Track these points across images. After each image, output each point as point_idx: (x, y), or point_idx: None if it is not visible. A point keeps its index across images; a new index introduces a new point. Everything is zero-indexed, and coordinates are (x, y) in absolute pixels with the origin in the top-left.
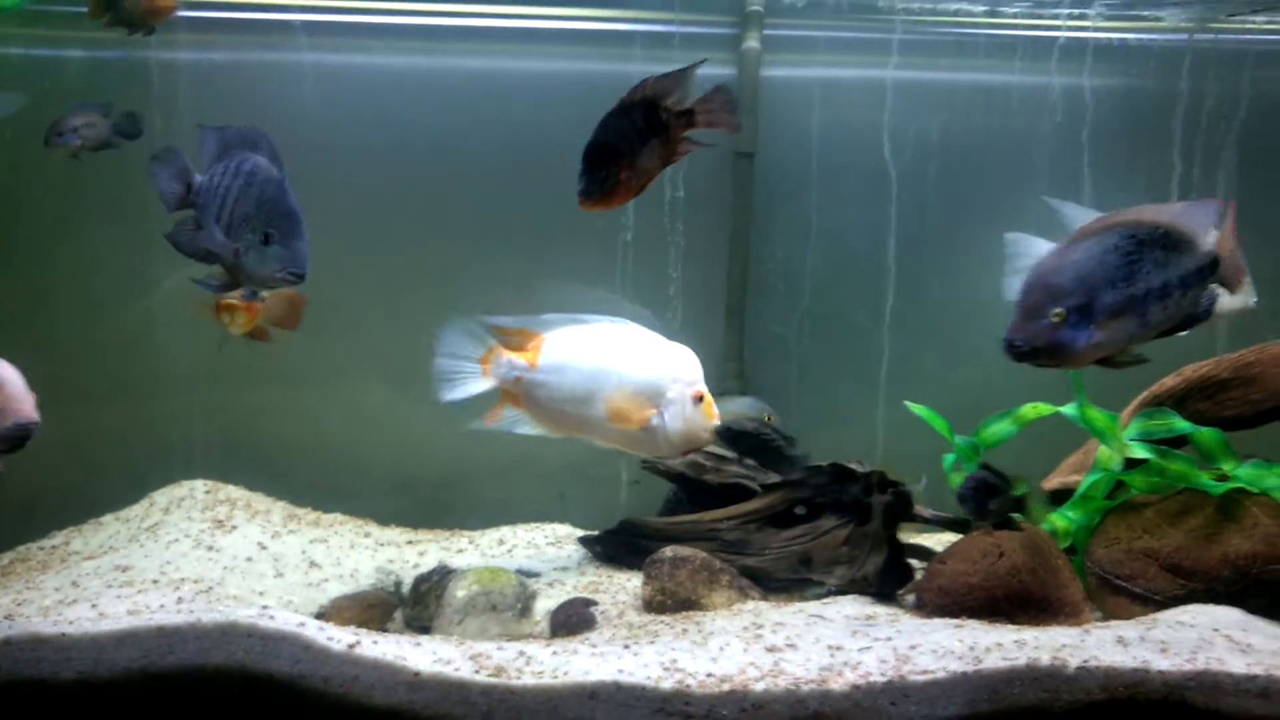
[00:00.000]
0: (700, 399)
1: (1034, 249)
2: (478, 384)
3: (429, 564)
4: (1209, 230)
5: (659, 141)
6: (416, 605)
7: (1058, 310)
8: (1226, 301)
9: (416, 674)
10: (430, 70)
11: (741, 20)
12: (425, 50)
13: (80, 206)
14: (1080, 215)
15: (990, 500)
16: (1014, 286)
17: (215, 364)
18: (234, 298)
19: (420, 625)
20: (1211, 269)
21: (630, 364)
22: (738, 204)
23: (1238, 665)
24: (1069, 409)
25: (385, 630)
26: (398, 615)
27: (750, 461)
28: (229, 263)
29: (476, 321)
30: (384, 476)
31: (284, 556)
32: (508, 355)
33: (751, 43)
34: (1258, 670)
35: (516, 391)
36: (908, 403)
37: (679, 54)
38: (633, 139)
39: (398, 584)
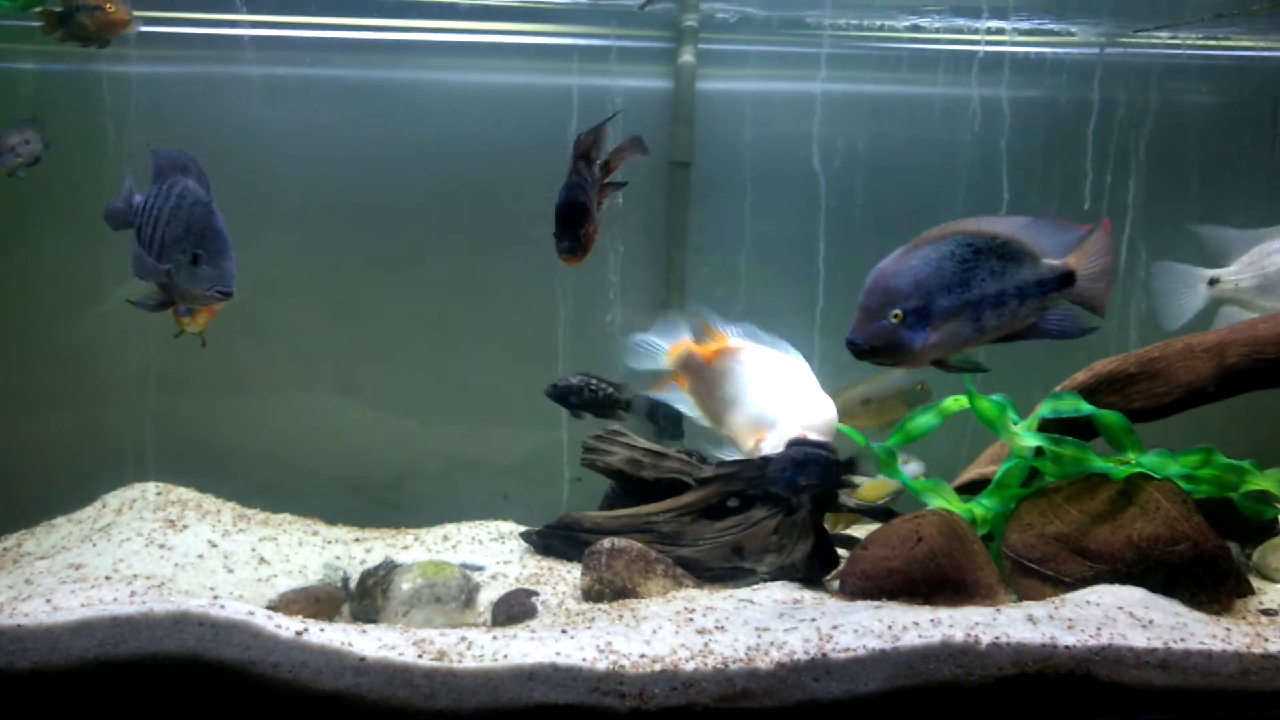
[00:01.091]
0: None
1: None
2: (659, 364)
3: (375, 560)
4: (1063, 247)
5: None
6: (363, 599)
7: (895, 312)
8: None
9: (362, 659)
10: (375, 83)
11: (677, 35)
12: (370, 64)
13: (30, 215)
14: (1235, 237)
15: (800, 476)
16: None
17: (166, 369)
18: None
19: (367, 618)
20: (1058, 284)
21: (763, 395)
22: (675, 211)
23: (1139, 640)
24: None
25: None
26: (345, 609)
27: (686, 456)
28: (162, 283)
29: (690, 314)
30: (331, 478)
31: (234, 554)
32: (692, 349)
33: (687, 57)
34: (1157, 644)
35: (687, 377)
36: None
37: (616, 67)
38: (590, 192)
39: (345, 579)
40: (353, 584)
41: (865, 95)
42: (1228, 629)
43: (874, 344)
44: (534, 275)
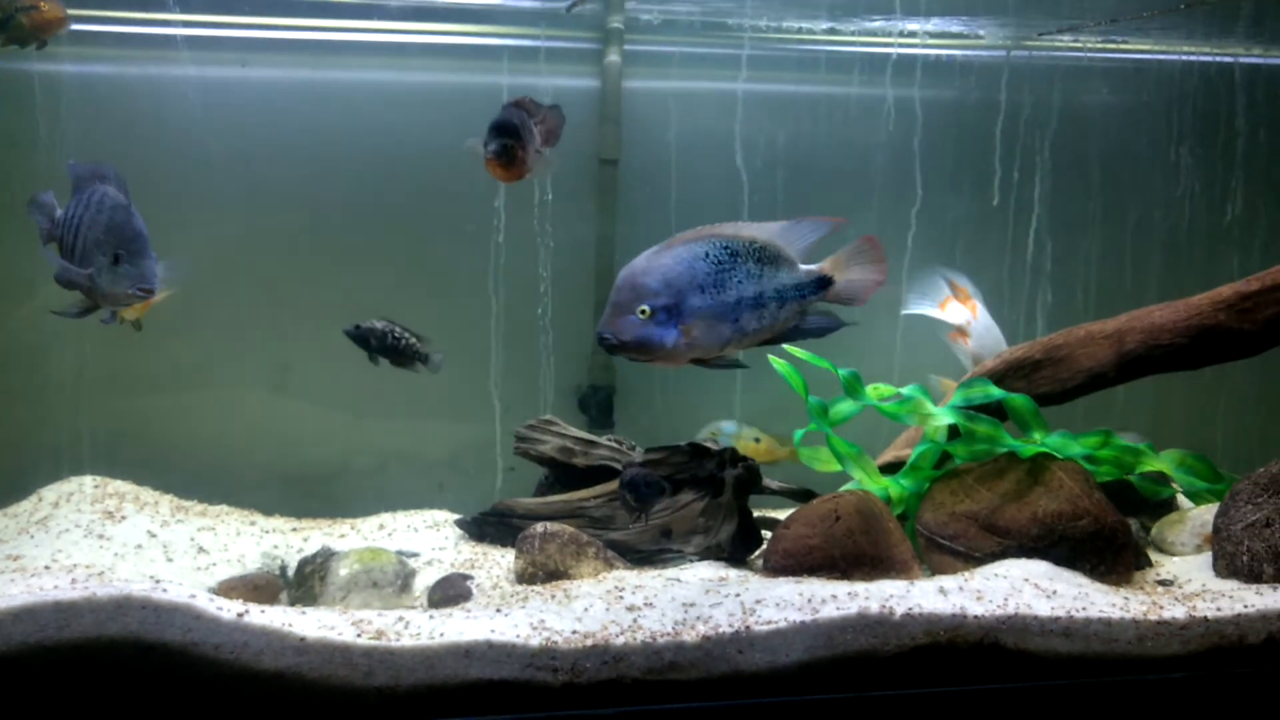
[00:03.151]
0: None
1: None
2: (934, 312)
3: (313, 549)
4: (816, 245)
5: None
6: (301, 586)
7: (643, 308)
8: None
9: (303, 639)
10: (307, 83)
11: (603, 37)
12: (302, 64)
13: None
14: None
15: (649, 494)
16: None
17: (100, 365)
18: None
19: (305, 604)
20: (816, 289)
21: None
22: (602, 207)
23: (1043, 609)
24: (907, 390)
25: None
26: (283, 596)
27: (617, 444)
28: (85, 286)
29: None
30: (267, 470)
31: (173, 544)
32: (959, 304)
33: (613, 57)
34: (1060, 613)
35: (965, 330)
36: (771, 358)
37: (545, 67)
38: (524, 124)
39: (283, 567)
40: (291, 571)
41: (785, 95)
42: (1126, 598)
43: (622, 339)
44: (466, 271)
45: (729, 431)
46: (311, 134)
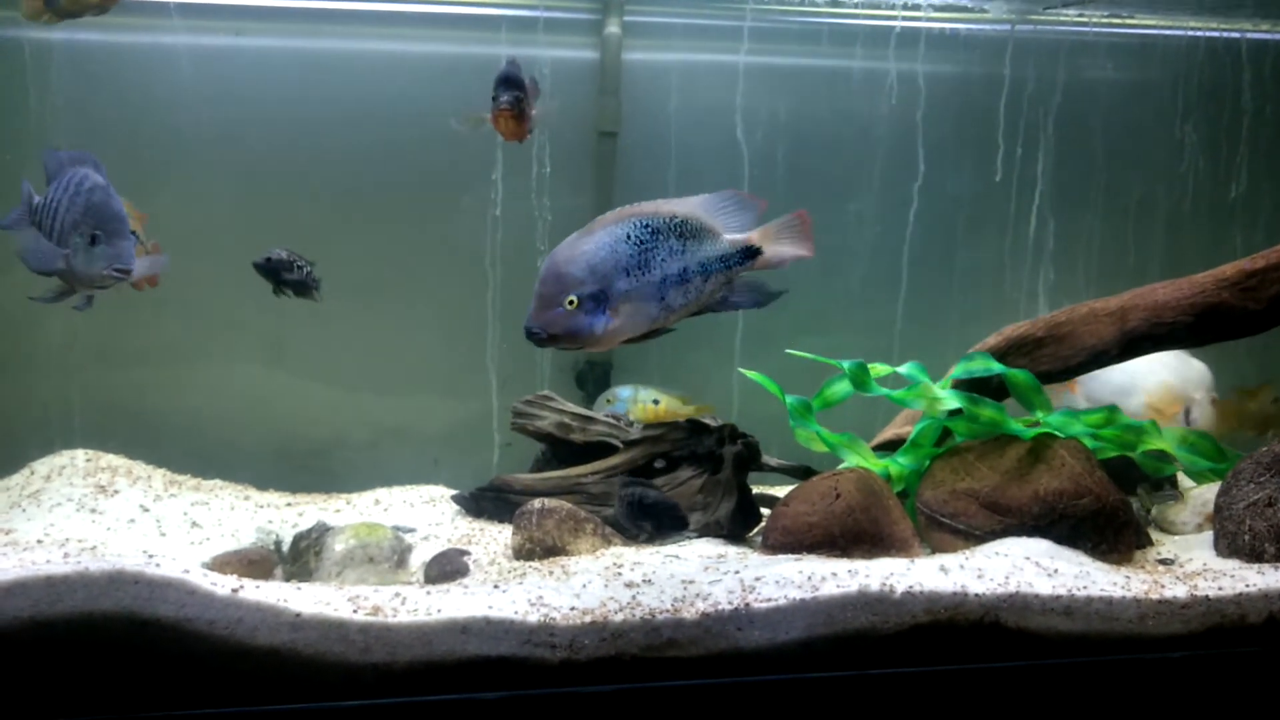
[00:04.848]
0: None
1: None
2: None
3: (307, 523)
4: (749, 222)
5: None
6: (296, 561)
7: (570, 299)
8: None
9: (298, 615)
10: (303, 52)
11: (603, 7)
12: (298, 33)
13: None
14: None
15: (644, 519)
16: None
17: (93, 339)
18: None
19: (300, 580)
20: (742, 259)
21: (1156, 372)
22: (601, 180)
23: (1044, 587)
24: (906, 369)
25: None
26: (278, 571)
27: (614, 420)
28: (61, 269)
29: None
30: (262, 445)
31: (166, 518)
32: None
33: (613, 28)
34: (1061, 591)
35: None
36: (741, 369)
37: (543, 38)
38: (526, 81)
39: (278, 542)
40: (285, 546)
41: (787, 68)
42: (1127, 577)
43: (552, 331)
44: (463, 243)
45: (624, 396)
46: (307, 104)
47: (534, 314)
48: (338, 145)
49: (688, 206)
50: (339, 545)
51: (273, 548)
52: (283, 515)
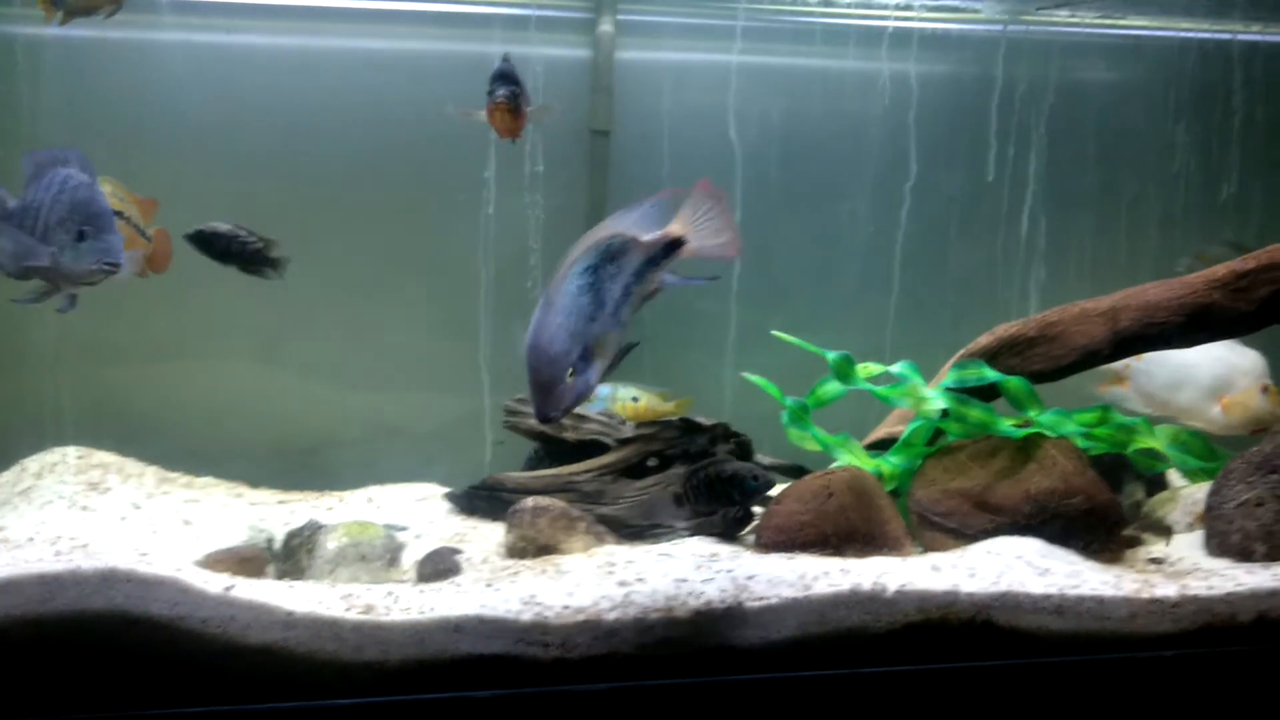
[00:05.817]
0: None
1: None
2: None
3: (300, 521)
4: (657, 218)
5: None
6: (288, 559)
7: (570, 371)
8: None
9: (290, 613)
10: (295, 49)
11: (595, 6)
12: (290, 30)
13: None
14: None
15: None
16: None
17: (84, 336)
18: None
19: (293, 578)
20: (666, 253)
21: (1202, 366)
22: (594, 179)
23: (1036, 587)
24: (899, 368)
25: None
26: (270, 569)
27: (606, 418)
28: (47, 267)
29: None
30: (254, 443)
31: (158, 516)
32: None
33: (606, 27)
34: (1053, 590)
35: (1122, 375)
36: (745, 374)
37: (536, 36)
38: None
39: (270, 540)
40: (278, 544)
41: (780, 68)
42: (1118, 576)
43: (565, 406)
44: (457, 241)
45: (604, 394)
46: (299, 102)
47: (542, 403)
48: (330, 143)
49: (606, 228)
50: (331, 543)
51: (265, 546)
52: (275, 513)
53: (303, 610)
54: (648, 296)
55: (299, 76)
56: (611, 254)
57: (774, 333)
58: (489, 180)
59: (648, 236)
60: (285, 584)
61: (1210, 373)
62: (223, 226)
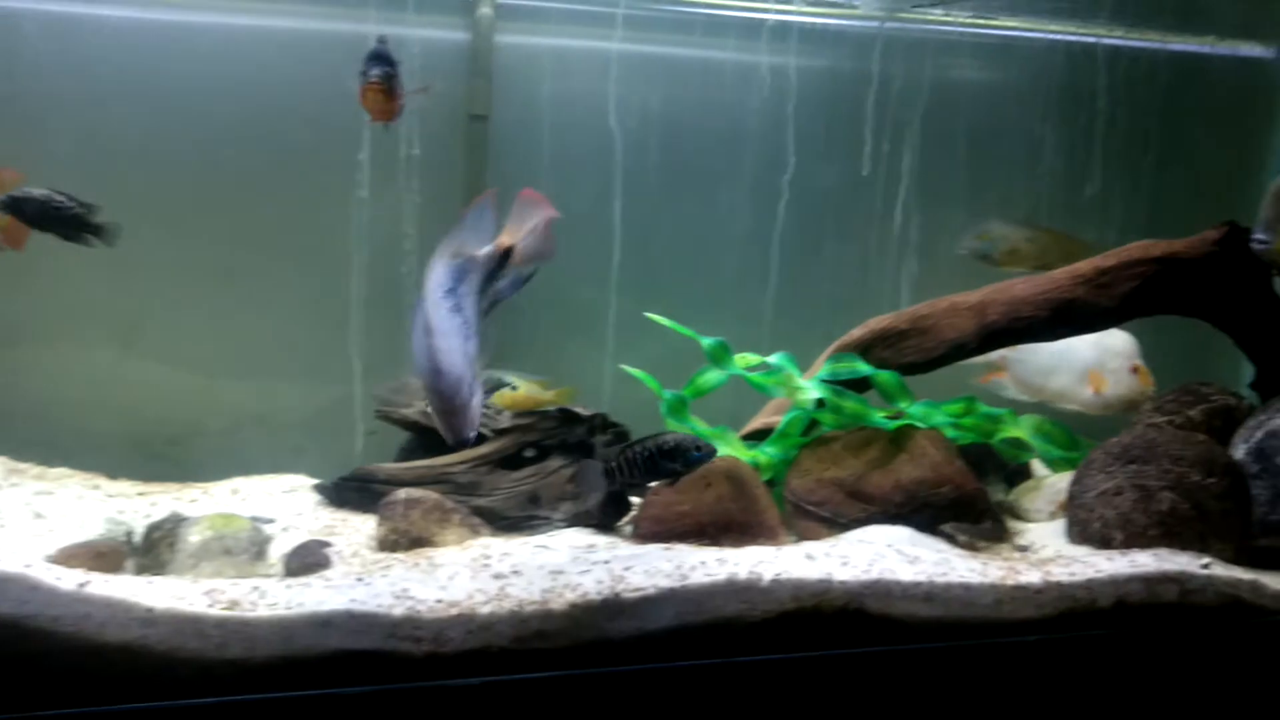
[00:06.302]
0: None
1: None
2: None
3: (161, 514)
4: (484, 229)
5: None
6: (148, 553)
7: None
8: None
9: (150, 610)
10: (162, 24)
11: None
12: (156, 4)
13: None
14: None
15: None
16: None
17: None
18: None
19: (153, 573)
20: (501, 263)
21: (1074, 349)
22: (472, 164)
23: (906, 574)
24: (775, 359)
25: None
26: (129, 564)
27: (485, 408)
28: None
29: None
30: (112, 432)
31: (7, 509)
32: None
33: (485, 10)
34: (922, 577)
35: (1000, 365)
36: (623, 366)
37: (413, 18)
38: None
39: (129, 533)
40: (137, 538)
41: (661, 57)
42: (984, 563)
43: (474, 425)
44: (328, 225)
45: None
46: (166, 79)
47: (458, 427)
48: (197, 122)
49: (449, 244)
50: (194, 536)
51: (123, 539)
52: (134, 505)
53: (163, 606)
54: (491, 308)
55: (165, 52)
56: (463, 273)
57: (647, 314)
58: (363, 163)
59: (482, 251)
60: (145, 579)
61: (1083, 356)
62: (37, 192)
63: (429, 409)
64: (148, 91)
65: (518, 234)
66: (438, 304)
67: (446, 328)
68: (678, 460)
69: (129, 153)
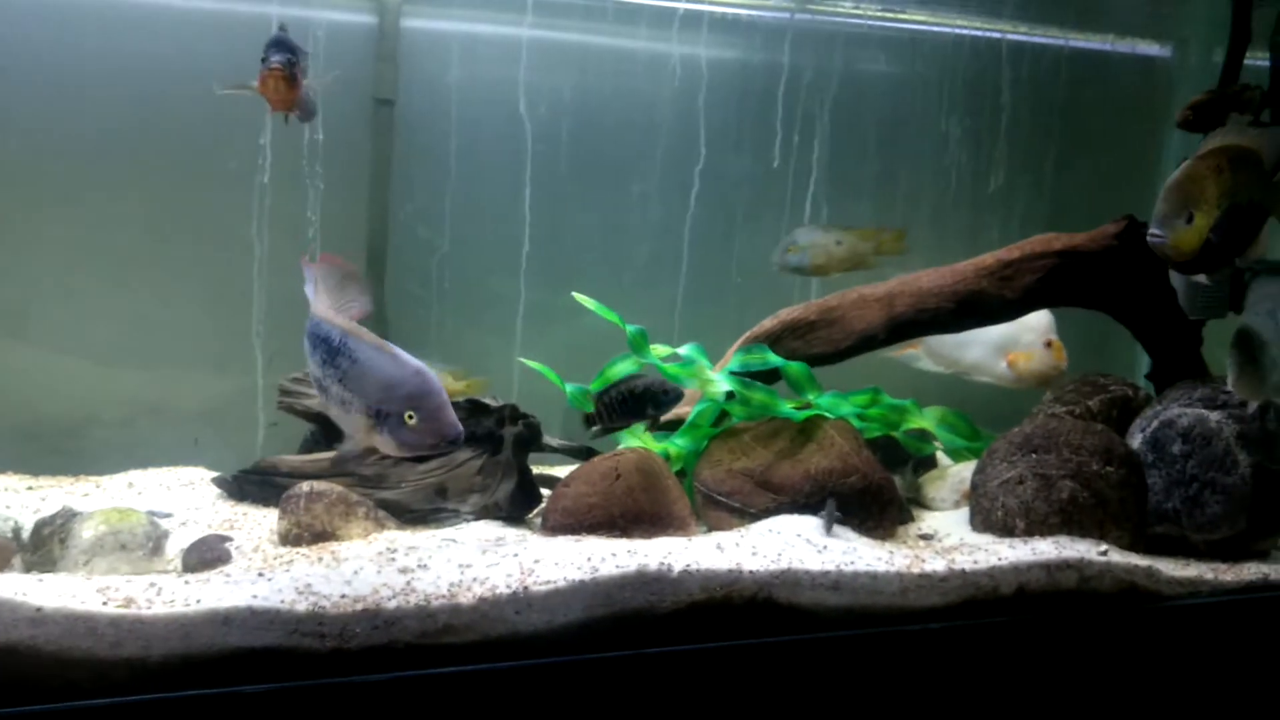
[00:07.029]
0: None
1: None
2: None
3: (52, 508)
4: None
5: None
6: (38, 550)
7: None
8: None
9: (39, 609)
10: (55, 2)
11: None
12: None
13: None
14: None
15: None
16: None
17: None
18: None
19: (43, 570)
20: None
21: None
22: (378, 149)
23: (814, 564)
24: (686, 350)
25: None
26: (17, 561)
27: None
28: None
29: None
30: (0, 424)
31: None
32: None
33: None
34: (830, 567)
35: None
36: (521, 359)
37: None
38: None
39: (17, 529)
40: (26, 534)
41: (571, 44)
42: (891, 552)
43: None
44: (229, 211)
45: None
46: (59, 56)
47: (453, 420)
48: (92, 101)
49: (317, 306)
50: (87, 532)
51: (11, 536)
52: (23, 500)
53: (53, 605)
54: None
55: (59, 30)
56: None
57: (574, 295)
58: (264, 147)
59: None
60: (33, 577)
61: (998, 330)
62: None
63: (412, 421)
64: (40, 70)
65: (330, 305)
66: (355, 343)
67: (383, 349)
68: (649, 403)
69: (18, 131)
